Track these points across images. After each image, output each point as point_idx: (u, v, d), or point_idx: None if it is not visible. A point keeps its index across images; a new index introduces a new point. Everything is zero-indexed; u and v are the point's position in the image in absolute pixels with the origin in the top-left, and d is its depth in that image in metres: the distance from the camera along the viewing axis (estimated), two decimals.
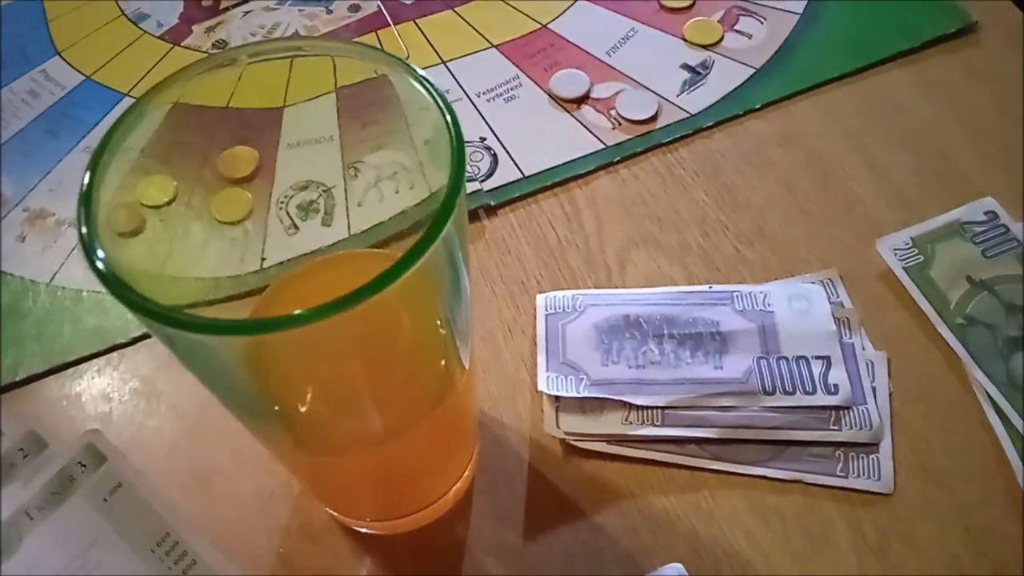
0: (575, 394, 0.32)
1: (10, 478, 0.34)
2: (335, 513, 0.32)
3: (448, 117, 0.20)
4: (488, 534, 0.31)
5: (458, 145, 0.20)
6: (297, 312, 0.18)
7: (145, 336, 0.36)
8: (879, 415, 0.32)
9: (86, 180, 0.21)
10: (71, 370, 0.36)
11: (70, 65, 0.46)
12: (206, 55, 0.46)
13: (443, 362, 0.26)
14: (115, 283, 0.18)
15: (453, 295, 0.24)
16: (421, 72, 0.22)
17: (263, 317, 0.18)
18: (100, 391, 0.35)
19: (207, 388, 0.23)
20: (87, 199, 0.20)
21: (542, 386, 0.33)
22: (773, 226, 0.38)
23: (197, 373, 0.22)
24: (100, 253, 0.19)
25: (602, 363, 0.33)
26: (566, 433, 0.32)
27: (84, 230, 0.19)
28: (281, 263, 0.35)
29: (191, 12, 0.48)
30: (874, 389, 0.33)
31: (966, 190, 0.38)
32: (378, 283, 0.18)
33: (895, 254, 0.36)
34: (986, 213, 0.37)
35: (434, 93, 0.21)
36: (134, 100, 0.24)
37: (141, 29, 0.48)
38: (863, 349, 0.34)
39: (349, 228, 0.37)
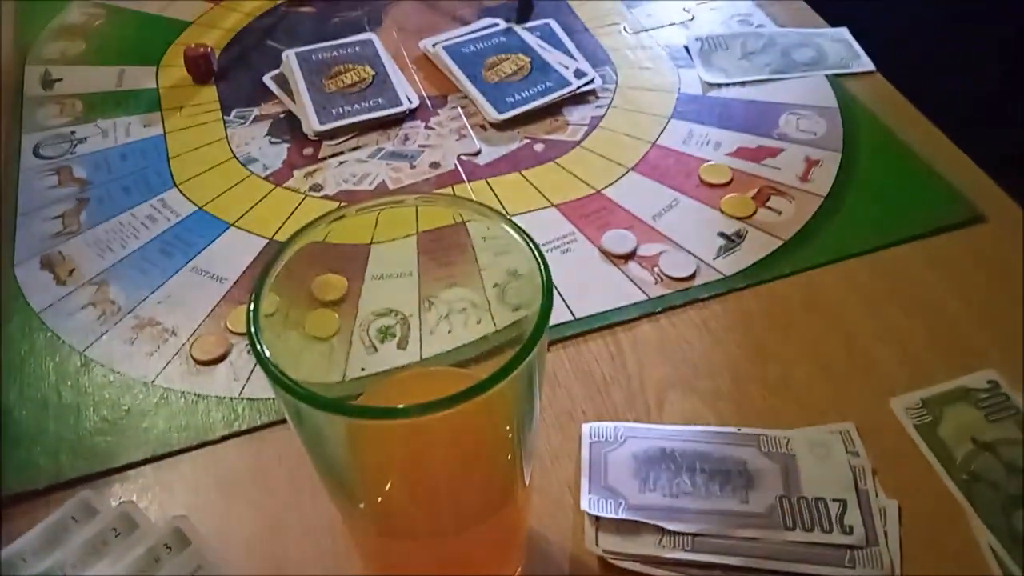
0: (614, 516, 0.36)
1: (102, 555, 0.38)
2: None
3: (542, 267, 0.26)
4: None
5: (547, 286, 0.25)
6: (411, 405, 0.22)
7: (233, 435, 0.41)
8: (890, 558, 0.35)
9: (255, 297, 0.26)
10: (164, 460, 0.40)
11: (185, 196, 0.53)
12: (303, 196, 0.53)
13: (509, 473, 0.31)
14: (275, 369, 0.23)
15: (527, 415, 0.28)
16: (522, 228, 0.27)
17: (386, 406, 0.23)
18: (189, 482, 0.39)
19: (317, 467, 0.27)
20: (256, 311, 0.25)
21: (584, 506, 0.37)
22: (797, 379, 0.42)
23: (315, 452, 0.26)
24: (266, 351, 0.24)
25: (640, 490, 0.37)
26: (604, 551, 0.36)
27: (253, 329, 0.24)
28: (359, 378, 0.40)
29: (293, 158, 0.56)
30: (886, 534, 0.36)
31: (971, 359, 0.42)
32: (476, 389, 0.23)
33: (907, 413, 0.40)
34: (989, 382, 0.41)
35: (531, 244, 0.27)
36: (280, 242, 0.30)
37: (249, 170, 0.55)
38: (876, 496, 0.37)
39: (421, 353, 0.42)
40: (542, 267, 0.26)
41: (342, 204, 0.49)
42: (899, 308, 0.46)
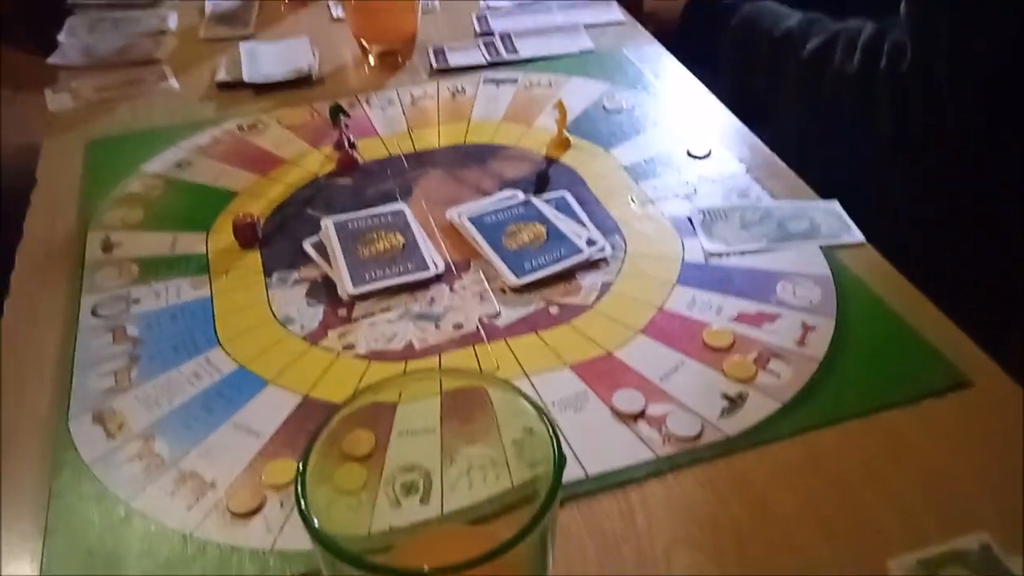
0: None
1: None
2: None
3: (554, 442, 0.29)
4: None
5: (559, 455, 0.29)
6: (441, 566, 0.26)
7: None
8: None
9: (303, 466, 0.30)
10: None
11: (228, 355, 0.58)
12: (336, 355, 0.57)
13: None
14: (325, 538, 0.27)
15: (540, 571, 0.31)
16: (544, 409, 0.31)
17: (420, 569, 0.26)
18: None
19: None
20: (303, 489, 0.29)
21: None
22: (799, 537, 0.45)
23: None
24: (315, 521, 0.27)
25: None
26: None
27: (299, 490, 0.28)
28: (384, 532, 0.43)
29: (328, 319, 0.60)
30: None
31: (966, 519, 0.45)
32: (496, 552, 0.26)
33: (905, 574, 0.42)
34: (981, 545, 0.43)
35: (545, 419, 0.30)
36: (336, 407, 0.35)
37: (287, 330, 0.60)
38: None
39: (442, 508, 0.45)
40: (555, 445, 0.30)
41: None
42: (896, 468, 0.48)
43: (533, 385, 0.55)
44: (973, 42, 0.75)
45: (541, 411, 0.41)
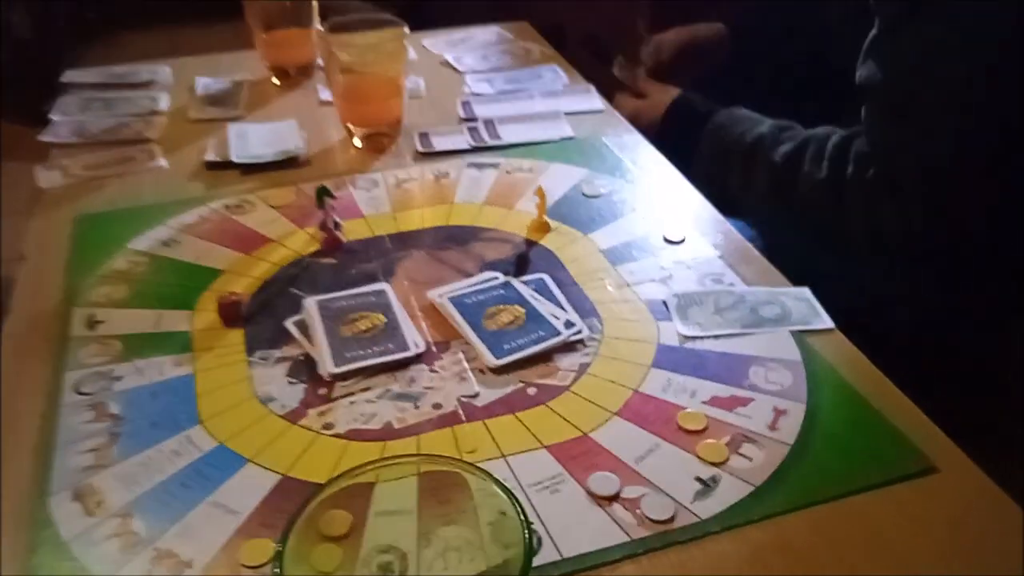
0: None
1: None
2: None
3: (524, 529, 0.30)
4: None
5: (528, 543, 0.30)
6: None
7: None
8: None
9: (281, 548, 0.30)
10: None
11: (208, 433, 0.58)
12: (315, 434, 0.58)
13: None
14: None
15: None
16: (515, 496, 0.32)
17: None
18: None
19: None
20: (282, 559, 0.30)
21: None
22: None
23: None
24: None
25: None
26: None
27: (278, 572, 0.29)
28: None
29: (309, 399, 0.61)
30: None
31: None
32: None
33: None
34: None
35: (516, 507, 0.31)
36: (313, 488, 0.35)
37: (268, 409, 0.60)
38: None
39: None
40: (525, 531, 0.31)
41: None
42: (864, 552, 0.49)
43: (510, 466, 0.55)
44: (932, 148, 0.78)
45: (513, 497, 0.42)
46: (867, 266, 0.87)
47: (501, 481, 0.41)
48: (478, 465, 0.45)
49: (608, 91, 1.07)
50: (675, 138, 1.01)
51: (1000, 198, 0.80)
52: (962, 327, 0.87)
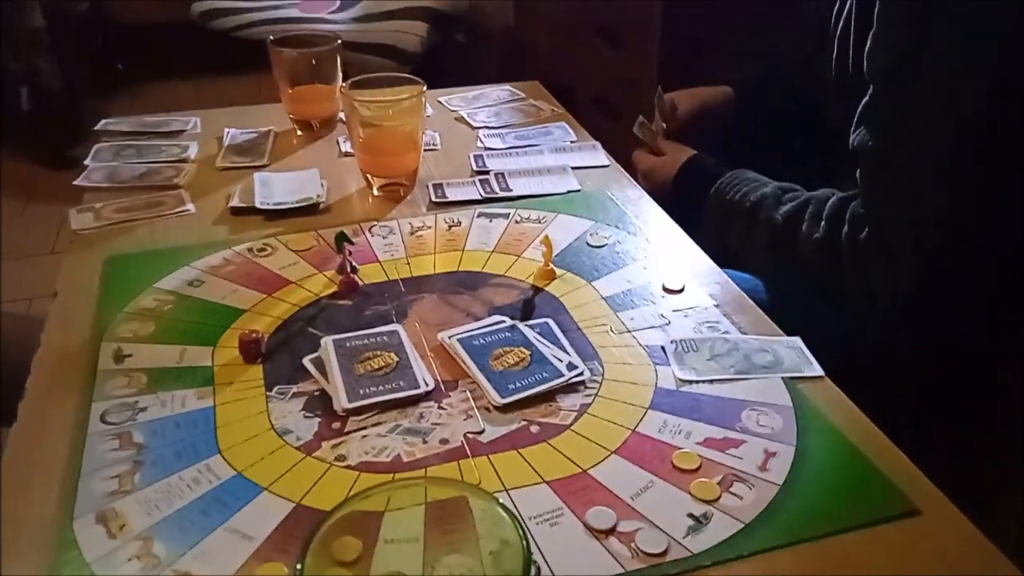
0: None
1: None
2: None
3: (525, 553, 0.33)
4: None
5: (527, 565, 0.33)
6: None
7: None
8: None
9: (300, 568, 0.33)
10: None
11: (227, 462, 0.61)
12: (328, 465, 0.61)
13: None
14: None
15: None
16: (519, 519, 0.35)
17: None
18: None
19: None
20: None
21: None
22: None
23: None
24: None
25: None
26: None
27: None
28: None
29: (323, 431, 0.64)
30: None
31: None
32: None
33: None
34: None
35: (520, 530, 0.34)
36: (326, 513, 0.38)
37: (284, 440, 0.64)
38: None
39: None
40: (526, 555, 0.33)
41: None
42: None
43: (512, 499, 0.58)
44: (923, 213, 0.82)
45: (517, 521, 0.45)
46: (864, 322, 0.90)
47: (504, 504, 0.44)
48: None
49: (614, 148, 1.12)
50: (685, 195, 1.05)
51: (988, 264, 0.83)
52: (943, 379, 0.89)
